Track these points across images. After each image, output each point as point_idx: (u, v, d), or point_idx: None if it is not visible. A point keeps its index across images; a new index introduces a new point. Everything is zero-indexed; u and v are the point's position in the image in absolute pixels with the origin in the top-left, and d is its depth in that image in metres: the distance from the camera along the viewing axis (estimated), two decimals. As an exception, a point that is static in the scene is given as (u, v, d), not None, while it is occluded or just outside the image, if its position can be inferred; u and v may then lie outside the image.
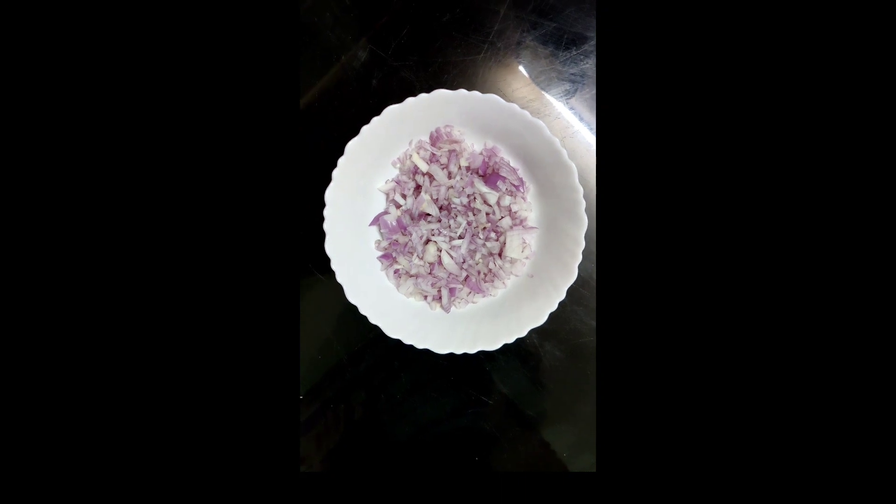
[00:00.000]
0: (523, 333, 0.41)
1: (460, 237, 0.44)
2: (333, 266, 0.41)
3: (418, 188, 0.45)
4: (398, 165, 0.45)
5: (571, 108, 0.47)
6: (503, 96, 0.46)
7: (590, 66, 0.47)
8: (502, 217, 0.44)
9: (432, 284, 0.44)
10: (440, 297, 0.44)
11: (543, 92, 0.47)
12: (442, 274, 0.44)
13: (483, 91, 0.46)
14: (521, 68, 0.47)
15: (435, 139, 0.44)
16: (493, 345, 0.41)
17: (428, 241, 0.44)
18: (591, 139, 0.47)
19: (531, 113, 0.46)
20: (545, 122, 0.46)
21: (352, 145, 0.40)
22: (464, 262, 0.44)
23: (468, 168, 0.45)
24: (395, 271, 0.45)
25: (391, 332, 0.41)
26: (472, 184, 0.44)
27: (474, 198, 0.44)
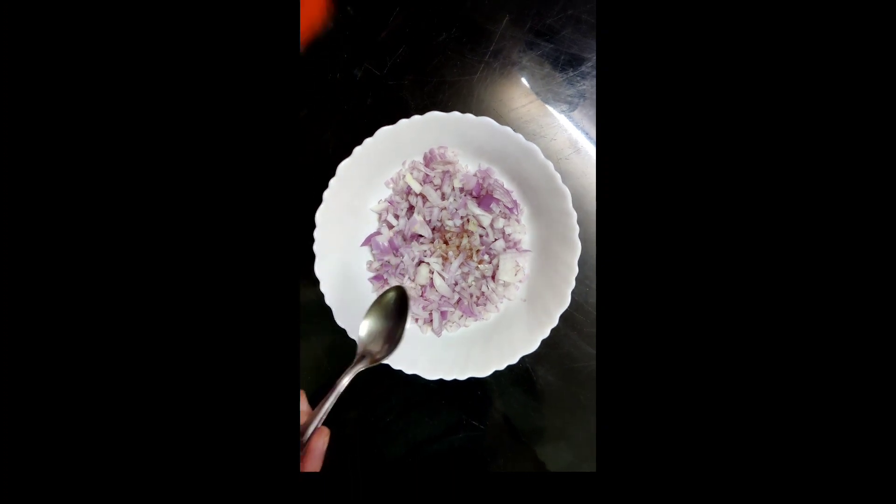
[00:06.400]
0: (515, 360, 0.40)
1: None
2: (323, 289, 0.41)
3: (411, 209, 0.44)
4: (391, 185, 0.45)
5: (576, 124, 0.47)
6: (499, 116, 0.46)
7: (587, 87, 0.47)
8: (496, 239, 0.44)
9: (423, 307, 0.44)
10: (431, 321, 0.44)
11: (540, 112, 0.47)
12: (433, 296, 0.44)
13: (479, 111, 0.46)
14: (516, 88, 0.47)
15: (429, 160, 0.44)
16: (484, 371, 0.40)
17: (420, 262, 0.44)
18: (593, 157, 0.47)
19: (528, 133, 0.46)
20: (544, 143, 0.46)
21: (343, 166, 0.40)
22: (456, 284, 0.44)
23: (462, 189, 0.44)
24: (387, 293, 0.45)
25: (380, 356, 0.41)
26: (465, 205, 0.44)
27: (468, 220, 0.44)
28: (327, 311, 0.41)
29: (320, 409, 0.32)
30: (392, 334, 0.36)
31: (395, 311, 0.37)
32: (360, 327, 0.37)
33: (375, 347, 0.36)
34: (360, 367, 0.35)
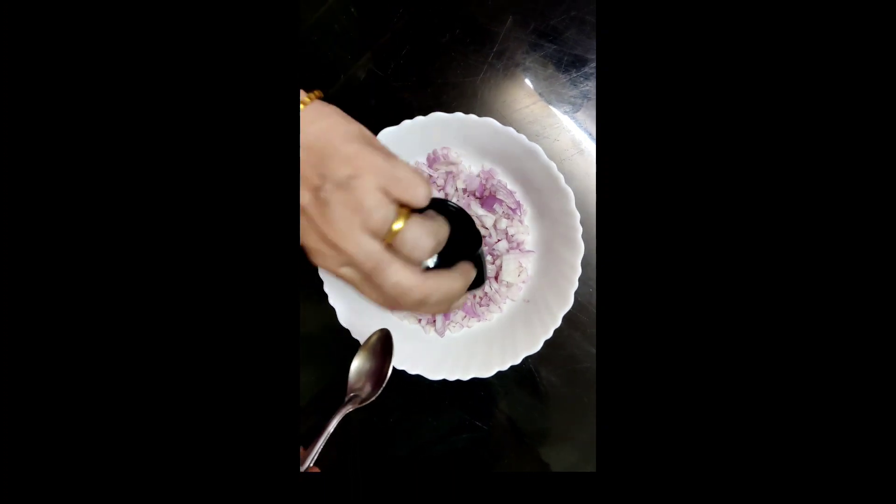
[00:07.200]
0: (518, 361, 0.40)
1: None
2: (326, 289, 0.41)
3: (414, 210, 0.44)
4: (395, 186, 0.45)
5: (580, 125, 0.47)
6: (502, 117, 0.46)
7: (591, 88, 0.47)
8: (499, 240, 0.44)
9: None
10: (434, 321, 0.44)
11: (543, 112, 0.47)
12: (437, 297, 0.44)
13: (482, 111, 0.46)
14: (520, 89, 0.47)
15: (432, 161, 0.44)
16: (487, 372, 0.40)
17: (423, 263, 0.44)
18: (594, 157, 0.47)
19: (531, 134, 0.46)
20: (547, 144, 0.46)
21: (347, 167, 0.40)
22: (459, 285, 0.44)
23: (465, 190, 0.44)
24: (390, 293, 0.45)
25: (383, 356, 0.41)
26: (468, 206, 0.44)
27: (471, 220, 0.44)
28: (331, 312, 0.41)
29: (311, 449, 0.34)
30: (378, 374, 0.38)
31: (380, 351, 0.39)
32: (350, 368, 0.39)
33: (362, 387, 0.39)
34: (348, 409, 0.37)
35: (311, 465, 0.34)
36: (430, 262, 0.30)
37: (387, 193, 0.26)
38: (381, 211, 0.26)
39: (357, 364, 0.38)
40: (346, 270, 0.27)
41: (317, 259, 0.28)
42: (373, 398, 0.37)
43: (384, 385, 0.37)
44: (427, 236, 0.27)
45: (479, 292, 0.44)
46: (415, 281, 0.27)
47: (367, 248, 0.26)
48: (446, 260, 0.30)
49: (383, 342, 0.38)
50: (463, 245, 0.30)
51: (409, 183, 0.27)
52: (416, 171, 0.28)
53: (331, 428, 0.35)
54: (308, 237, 0.27)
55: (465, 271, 0.30)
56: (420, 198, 0.27)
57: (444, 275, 0.29)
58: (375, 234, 0.26)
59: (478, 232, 0.33)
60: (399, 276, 0.26)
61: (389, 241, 0.26)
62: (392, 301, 0.28)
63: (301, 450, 0.35)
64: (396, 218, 0.26)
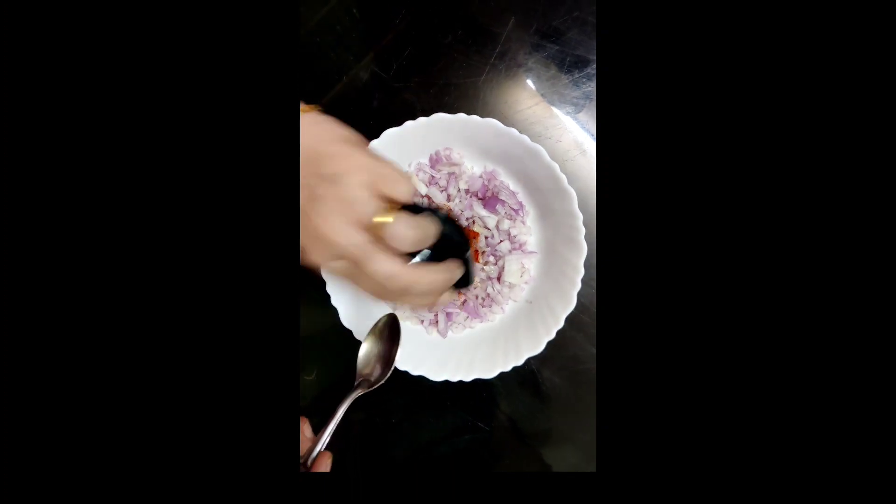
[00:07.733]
0: (520, 362, 0.40)
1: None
2: (329, 289, 0.41)
3: (417, 210, 0.44)
4: (397, 187, 0.45)
5: (582, 126, 0.47)
6: (505, 118, 0.46)
7: (593, 88, 0.47)
8: (501, 241, 0.44)
9: (429, 309, 0.44)
10: (437, 322, 0.44)
11: (545, 113, 0.47)
12: (439, 298, 0.44)
13: (484, 112, 0.46)
14: (522, 90, 0.47)
15: (434, 161, 0.44)
16: (490, 373, 0.40)
17: (426, 263, 0.44)
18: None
19: (533, 135, 0.46)
20: (550, 144, 0.46)
21: (349, 168, 0.40)
22: (462, 285, 0.44)
23: (467, 191, 0.44)
24: (392, 294, 0.45)
25: (385, 357, 0.41)
26: (471, 207, 0.44)
27: (473, 221, 0.44)
28: (334, 314, 0.41)
29: (322, 435, 0.34)
30: (386, 357, 0.39)
31: (388, 336, 0.39)
32: (359, 353, 0.39)
33: (371, 371, 0.39)
34: (358, 393, 0.37)
35: (322, 449, 0.34)
36: (419, 259, 0.33)
37: (372, 189, 0.28)
38: (367, 205, 0.28)
39: (366, 348, 0.39)
40: (338, 264, 0.29)
41: (312, 254, 0.29)
42: (382, 381, 0.37)
43: (392, 368, 0.38)
44: (413, 228, 0.29)
45: (480, 293, 0.44)
46: (399, 269, 0.28)
47: (355, 240, 0.28)
48: (437, 260, 0.33)
49: (391, 326, 0.39)
50: (451, 247, 0.33)
51: (392, 179, 0.29)
52: (399, 169, 0.31)
53: (341, 412, 0.35)
54: (303, 234, 0.29)
55: (451, 267, 0.32)
56: (402, 193, 0.29)
57: (428, 267, 0.31)
58: (362, 227, 0.28)
59: (466, 237, 0.35)
60: (384, 264, 0.28)
61: (378, 233, 0.28)
62: (380, 288, 0.30)
63: (312, 436, 0.35)
64: (383, 211, 0.28)
